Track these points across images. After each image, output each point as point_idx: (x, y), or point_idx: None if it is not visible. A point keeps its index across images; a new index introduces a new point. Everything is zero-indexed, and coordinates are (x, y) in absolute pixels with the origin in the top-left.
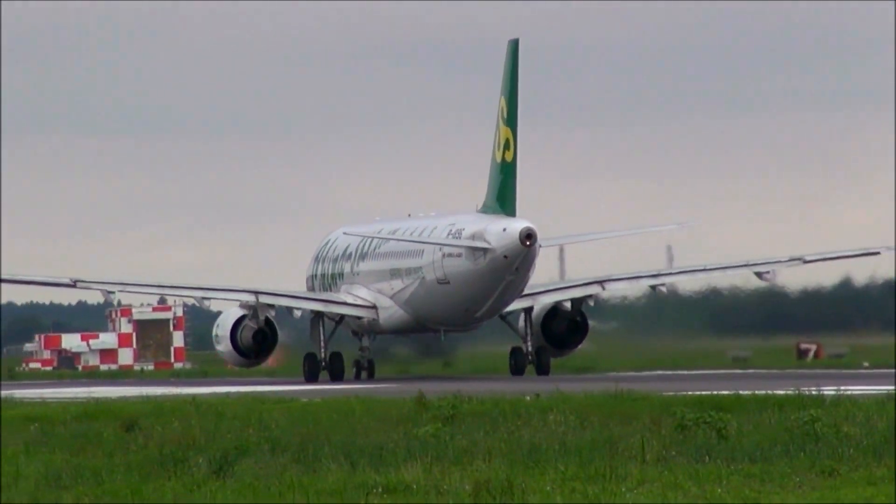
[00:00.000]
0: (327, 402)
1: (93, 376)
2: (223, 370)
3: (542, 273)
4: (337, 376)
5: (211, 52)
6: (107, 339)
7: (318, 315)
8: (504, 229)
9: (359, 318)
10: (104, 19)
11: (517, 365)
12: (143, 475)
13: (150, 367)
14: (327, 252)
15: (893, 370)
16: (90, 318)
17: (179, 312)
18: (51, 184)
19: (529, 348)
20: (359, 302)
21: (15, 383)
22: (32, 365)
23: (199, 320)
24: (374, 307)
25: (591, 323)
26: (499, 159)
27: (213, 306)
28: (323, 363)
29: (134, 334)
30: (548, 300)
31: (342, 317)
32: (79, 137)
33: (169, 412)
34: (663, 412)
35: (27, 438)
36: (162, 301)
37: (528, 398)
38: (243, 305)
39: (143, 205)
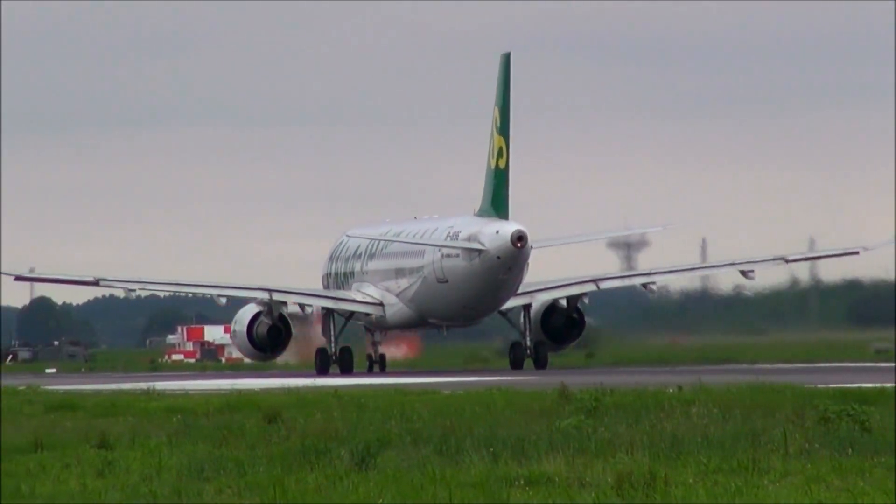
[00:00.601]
0: (469, 394)
1: (236, 368)
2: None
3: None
4: (346, 369)
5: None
6: None
7: (328, 311)
8: (497, 231)
9: (367, 314)
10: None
11: (516, 358)
12: (286, 467)
13: (293, 361)
14: (340, 252)
15: None
16: (233, 311)
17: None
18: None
19: (528, 343)
20: (367, 299)
21: (158, 374)
22: (175, 356)
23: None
24: (381, 304)
25: (587, 320)
26: (493, 166)
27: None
28: (333, 357)
29: None
30: (545, 297)
31: (352, 313)
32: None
33: (311, 404)
34: (806, 405)
35: (170, 430)
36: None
37: (670, 391)
38: (259, 302)
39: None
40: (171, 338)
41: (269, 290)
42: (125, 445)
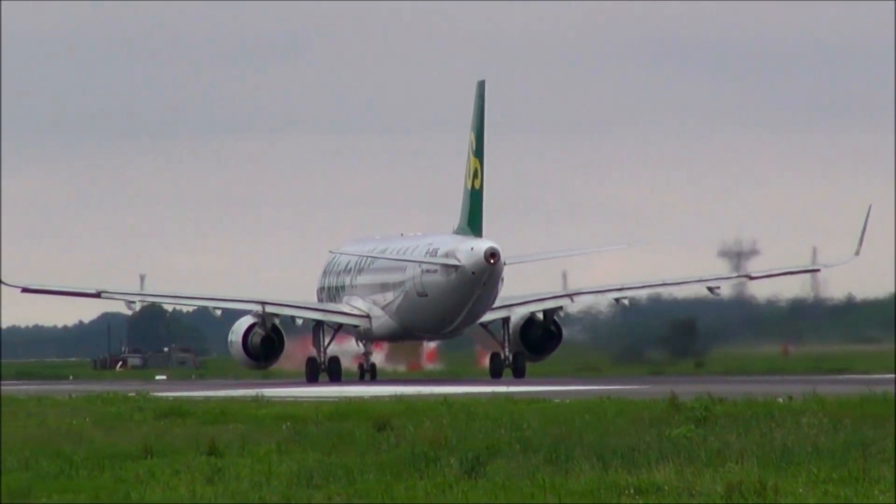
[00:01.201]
0: (579, 402)
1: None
2: (472, 371)
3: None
4: (335, 377)
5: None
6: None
7: (318, 323)
8: (472, 248)
9: (355, 326)
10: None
11: (495, 368)
12: (395, 475)
13: (402, 369)
14: (332, 267)
15: None
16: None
17: None
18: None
19: (507, 353)
20: (355, 311)
21: (267, 382)
22: (286, 367)
23: None
24: (368, 317)
25: (564, 331)
26: (468, 187)
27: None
28: (322, 366)
29: None
30: (523, 311)
31: (340, 325)
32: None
33: (421, 412)
34: None
35: (280, 437)
36: None
37: (780, 400)
38: (254, 314)
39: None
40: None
41: (263, 303)
42: (235, 453)
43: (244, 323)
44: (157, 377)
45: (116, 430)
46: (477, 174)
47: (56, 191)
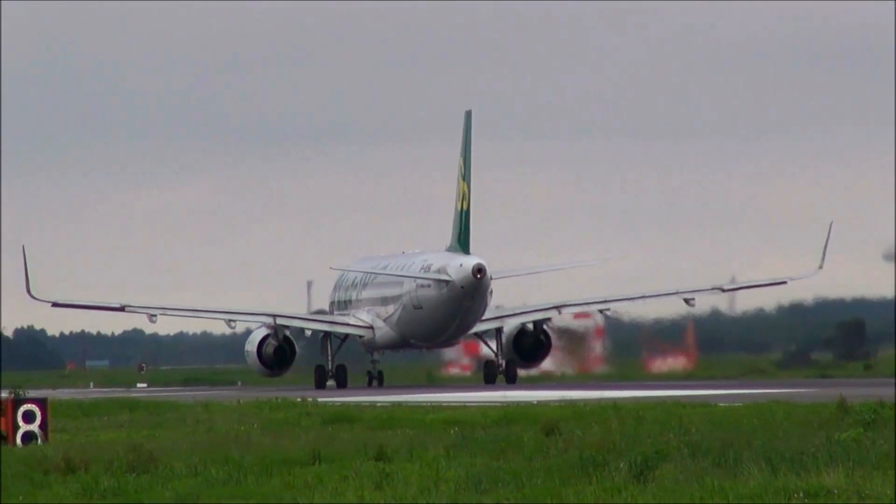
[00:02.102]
0: (748, 406)
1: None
2: (643, 374)
3: None
4: (342, 384)
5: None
6: None
7: (326, 334)
8: (461, 265)
9: (360, 336)
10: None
11: (489, 375)
12: (563, 479)
13: (570, 372)
14: (342, 282)
15: None
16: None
17: (600, 321)
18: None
19: (500, 361)
20: (359, 323)
21: (434, 387)
22: (452, 370)
23: (619, 329)
24: (371, 327)
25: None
26: (458, 208)
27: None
28: (330, 374)
29: (555, 341)
30: (515, 322)
31: (347, 335)
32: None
33: (589, 416)
34: None
35: (448, 442)
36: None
37: None
38: (268, 326)
39: None
40: (448, 351)
41: (274, 316)
42: (403, 458)
43: (258, 335)
44: (328, 383)
45: (284, 435)
46: (465, 197)
47: (220, 200)
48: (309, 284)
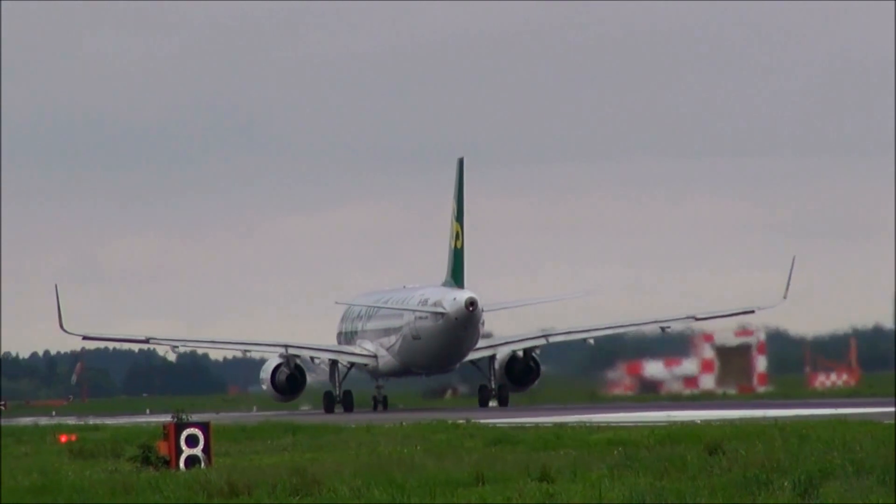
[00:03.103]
0: None
1: (675, 399)
2: (804, 392)
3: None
4: (349, 408)
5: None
6: (689, 366)
7: (334, 362)
8: (454, 298)
9: (365, 364)
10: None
11: (483, 398)
12: (727, 498)
13: (733, 391)
14: (348, 314)
15: None
16: (673, 346)
17: (762, 337)
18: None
19: (493, 385)
20: (364, 352)
21: (597, 406)
22: (615, 391)
23: (780, 346)
24: (375, 356)
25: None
26: (452, 246)
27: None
28: (338, 398)
29: (716, 360)
30: (506, 350)
31: (352, 364)
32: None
33: (752, 435)
34: None
35: (611, 462)
36: (742, 327)
37: None
38: (280, 355)
39: None
40: (610, 373)
41: (286, 346)
42: (566, 478)
43: (272, 363)
44: (490, 404)
45: (447, 457)
46: (458, 236)
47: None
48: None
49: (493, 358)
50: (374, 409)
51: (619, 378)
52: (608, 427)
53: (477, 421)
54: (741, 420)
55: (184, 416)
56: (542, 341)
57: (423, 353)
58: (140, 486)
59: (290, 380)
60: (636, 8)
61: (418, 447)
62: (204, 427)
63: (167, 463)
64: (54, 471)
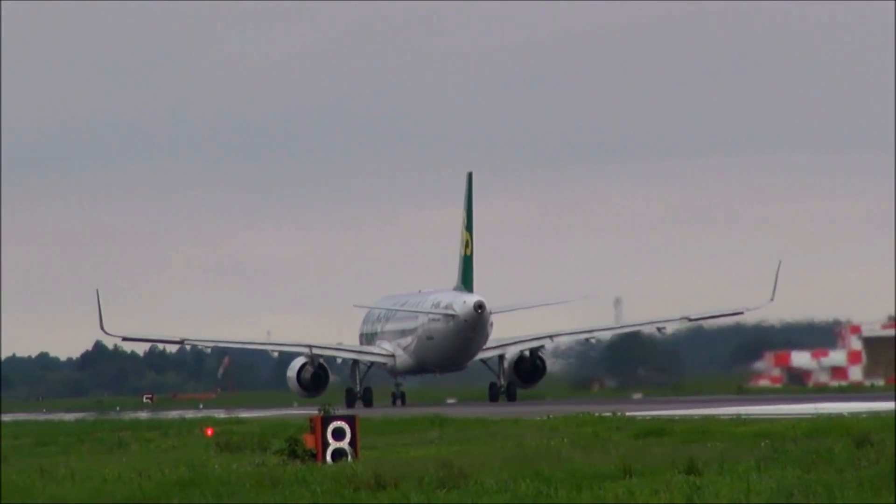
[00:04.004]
0: None
1: (822, 391)
2: None
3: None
4: (368, 404)
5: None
6: (836, 357)
7: (355, 362)
8: (464, 302)
9: (383, 363)
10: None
11: (493, 394)
12: (875, 491)
13: (880, 383)
14: (370, 317)
15: None
16: (819, 337)
17: None
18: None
19: (502, 382)
20: (383, 352)
21: (744, 399)
22: (761, 382)
23: None
24: (392, 356)
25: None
26: (462, 254)
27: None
28: (358, 395)
29: (863, 351)
30: (514, 349)
31: (372, 363)
32: None
33: None
34: None
35: (758, 455)
36: (890, 319)
37: None
38: (305, 355)
39: None
40: (757, 364)
41: (310, 346)
42: (713, 471)
43: (297, 362)
44: (634, 396)
45: (594, 449)
46: (468, 244)
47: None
48: (616, 301)
49: (502, 357)
50: (393, 404)
51: (766, 369)
52: (755, 419)
53: (624, 413)
54: (889, 412)
55: (330, 410)
56: (548, 341)
57: (436, 353)
58: (287, 479)
59: (314, 378)
60: None
61: (565, 440)
62: (350, 420)
63: (314, 456)
64: (201, 464)
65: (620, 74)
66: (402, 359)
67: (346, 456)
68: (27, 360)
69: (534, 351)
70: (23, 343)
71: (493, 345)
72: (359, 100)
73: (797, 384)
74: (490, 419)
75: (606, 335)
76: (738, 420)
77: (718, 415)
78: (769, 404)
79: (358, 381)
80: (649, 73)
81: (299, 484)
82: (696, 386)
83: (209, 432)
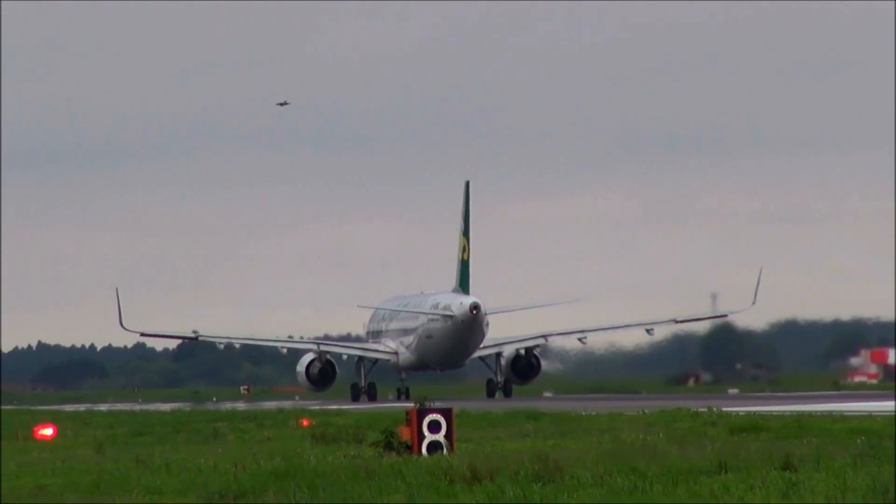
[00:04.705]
0: None
1: None
2: None
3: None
4: (372, 398)
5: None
6: None
7: (360, 358)
8: (461, 303)
9: (387, 360)
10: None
11: (490, 390)
12: None
13: None
14: (376, 316)
15: None
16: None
17: None
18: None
19: (499, 379)
20: (387, 349)
21: (840, 395)
22: (857, 378)
23: None
24: (395, 353)
25: (543, 363)
26: (460, 258)
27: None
28: (363, 389)
29: None
30: (511, 348)
31: (377, 360)
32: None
33: None
34: None
35: (854, 451)
36: None
37: None
38: (314, 351)
39: None
40: (853, 360)
41: (318, 343)
42: (809, 467)
43: (306, 358)
44: (729, 391)
45: (690, 445)
46: (465, 249)
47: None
48: (713, 297)
49: (499, 355)
50: (398, 398)
51: (863, 365)
52: (851, 416)
53: (721, 409)
54: None
55: (426, 403)
56: (542, 341)
57: (435, 351)
58: (382, 471)
59: (322, 373)
60: None
61: (660, 435)
62: (446, 413)
63: (409, 448)
64: (297, 455)
65: (719, 70)
66: (405, 356)
67: (442, 448)
68: (124, 351)
69: (529, 350)
70: (119, 333)
71: (491, 344)
72: (458, 93)
73: (893, 380)
74: (586, 414)
75: (600, 335)
76: (834, 416)
77: (814, 412)
78: (865, 401)
79: (363, 377)
80: (749, 68)
81: (395, 476)
82: (792, 381)
83: (305, 423)
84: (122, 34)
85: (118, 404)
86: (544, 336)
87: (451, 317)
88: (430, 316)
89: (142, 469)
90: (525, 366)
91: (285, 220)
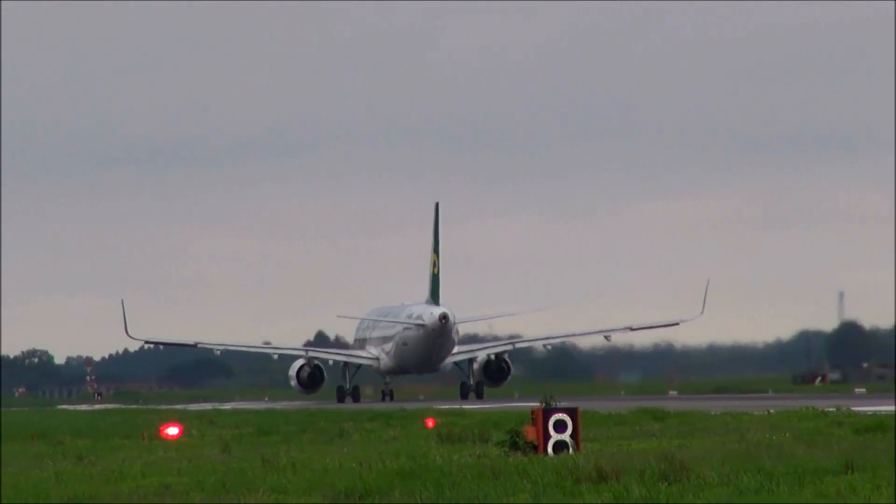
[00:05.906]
0: None
1: None
2: None
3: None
4: (356, 399)
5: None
6: None
7: (345, 364)
8: (431, 313)
9: (370, 365)
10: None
11: (463, 392)
12: None
13: None
14: (362, 325)
15: None
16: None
17: None
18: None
19: (471, 382)
20: (369, 356)
21: None
22: None
23: None
24: (377, 359)
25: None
26: (431, 272)
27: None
28: (348, 392)
29: None
30: (483, 354)
31: (360, 365)
32: None
33: None
34: None
35: None
36: None
37: None
38: (303, 357)
39: None
40: None
41: (306, 349)
42: None
43: (297, 363)
44: (856, 390)
45: (817, 444)
46: (435, 264)
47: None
48: (840, 296)
49: (472, 360)
50: (383, 399)
51: None
52: None
53: (849, 408)
54: None
55: (551, 402)
56: (510, 347)
57: (410, 357)
58: (508, 470)
59: (311, 377)
60: None
61: (787, 434)
62: (572, 412)
63: (535, 448)
64: (422, 455)
65: (850, 70)
66: (385, 361)
67: (568, 448)
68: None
69: (499, 355)
70: (248, 333)
71: (464, 349)
72: (571, 92)
73: None
74: (712, 413)
75: (580, 340)
76: None
77: None
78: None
79: (347, 380)
80: (873, 67)
81: (520, 475)
82: None
83: (430, 423)
84: (237, 34)
85: (244, 403)
86: (512, 342)
87: (422, 325)
88: (405, 325)
89: (267, 468)
90: (496, 369)
91: None
